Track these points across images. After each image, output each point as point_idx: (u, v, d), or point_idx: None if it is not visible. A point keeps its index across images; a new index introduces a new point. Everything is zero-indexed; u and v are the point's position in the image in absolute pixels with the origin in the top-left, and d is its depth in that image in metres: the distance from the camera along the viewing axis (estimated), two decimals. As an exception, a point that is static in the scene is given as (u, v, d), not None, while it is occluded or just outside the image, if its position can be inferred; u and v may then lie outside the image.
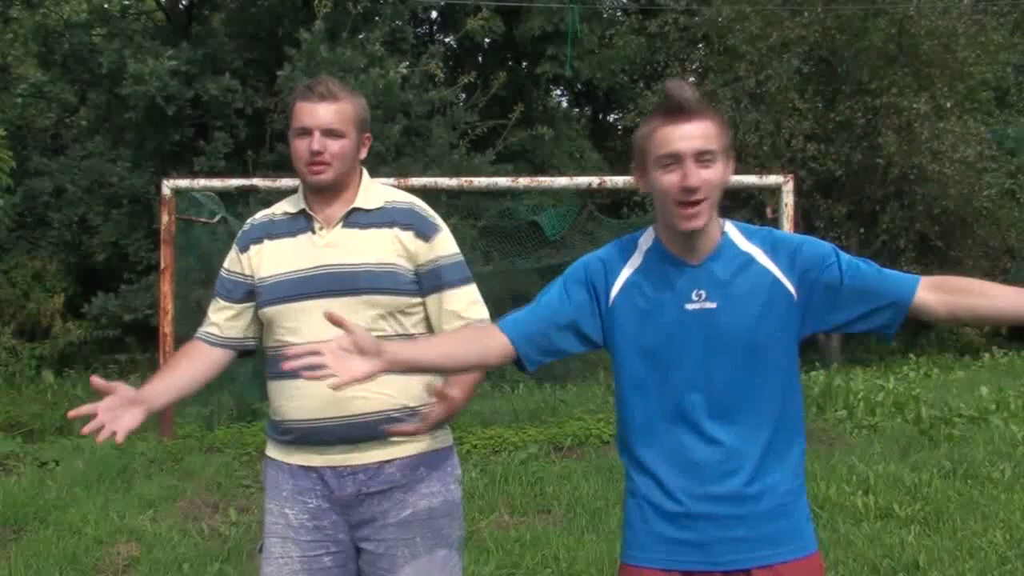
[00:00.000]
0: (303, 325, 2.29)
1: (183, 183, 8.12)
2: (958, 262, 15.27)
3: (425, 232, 2.36)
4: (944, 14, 13.85)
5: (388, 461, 2.32)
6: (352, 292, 2.29)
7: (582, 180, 8.69)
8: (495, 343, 2.06)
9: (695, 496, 1.96)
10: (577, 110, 21.07)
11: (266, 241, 2.41)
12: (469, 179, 8.99)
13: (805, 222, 13.51)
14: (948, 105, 14.29)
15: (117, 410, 2.23)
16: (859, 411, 8.15)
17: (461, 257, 2.44)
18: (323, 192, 2.36)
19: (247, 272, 2.41)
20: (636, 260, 2.03)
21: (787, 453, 2.02)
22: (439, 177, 9.33)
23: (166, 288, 7.68)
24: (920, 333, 16.80)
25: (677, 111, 1.90)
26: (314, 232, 2.36)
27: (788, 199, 7.54)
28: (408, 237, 2.35)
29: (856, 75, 14.32)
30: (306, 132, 2.31)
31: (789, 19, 14.18)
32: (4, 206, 10.61)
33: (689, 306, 1.96)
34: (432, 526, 2.36)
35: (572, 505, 5.43)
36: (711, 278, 1.97)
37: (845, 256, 2.00)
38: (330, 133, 2.31)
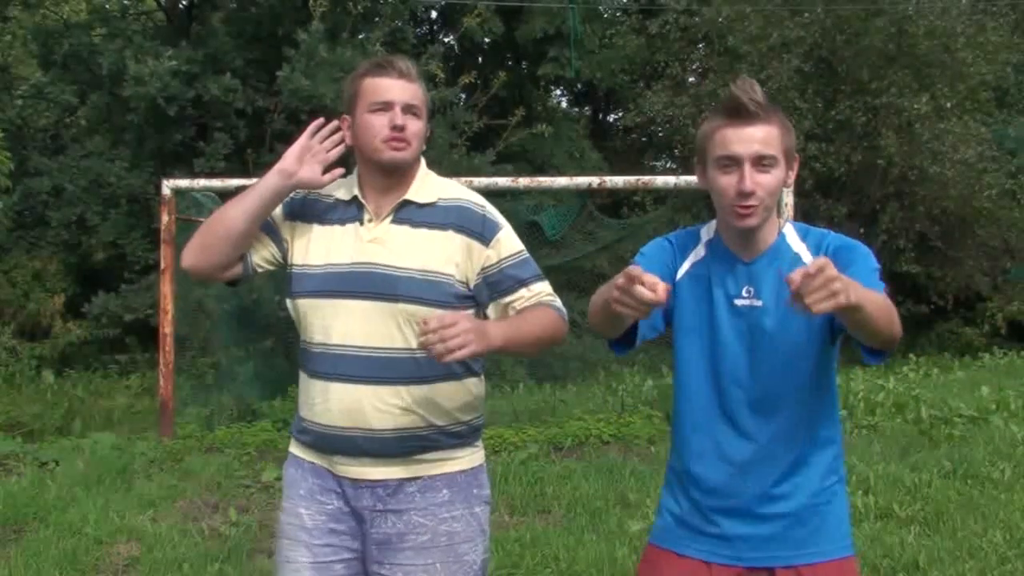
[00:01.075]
0: (334, 324, 2.15)
1: (183, 183, 8.12)
2: (958, 262, 15.27)
3: (484, 235, 2.18)
4: (943, 14, 13.85)
5: (409, 479, 2.18)
6: (389, 298, 2.12)
7: (582, 180, 8.68)
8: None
9: (726, 491, 1.99)
10: (577, 110, 21.07)
11: (315, 225, 2.23)
12: (469, 179, 8.97)
13: (805, 222, 13.49)
14: (948, 105, 14.29)
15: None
16: (859, 411, 8.14)
17: (527, 254, 2.25)
18: (388, 176, 2.18)
19: (281, 233, 2.24)
20: (700, 250, 2.07)
21: (820, 454, 2.02)
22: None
23: (166, 288, 7.67)
24: (920, 333, 16.80)
25: (740, 113, 1.90)
26: (363, 223, 2.19)
27: (788, 199, 7.53)
28: (464, 240, 2.17)
29: (856, 75, 14.33)
30: (386, 107, 2.14)
31: (789, 19, 14.19)
32: (3, 207, 10.63)
33: (739, 302, 1.99)
34: (453, 552, 2.18)
35: (572, 505, 5.43)
36: (761, 276, 1.99)
37: (868, 268, 1.92)
38: (411, 110, 2.16)
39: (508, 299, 2.19)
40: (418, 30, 17.27)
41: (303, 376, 2.25)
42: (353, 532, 2.20)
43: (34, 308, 12.37)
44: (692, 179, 6.48)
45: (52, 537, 4.92)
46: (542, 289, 2.22)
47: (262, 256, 2.25)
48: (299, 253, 2.22)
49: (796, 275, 1.59)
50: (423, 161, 2.26)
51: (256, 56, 12.58)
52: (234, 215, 2.16)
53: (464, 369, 2.22)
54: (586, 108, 21.27)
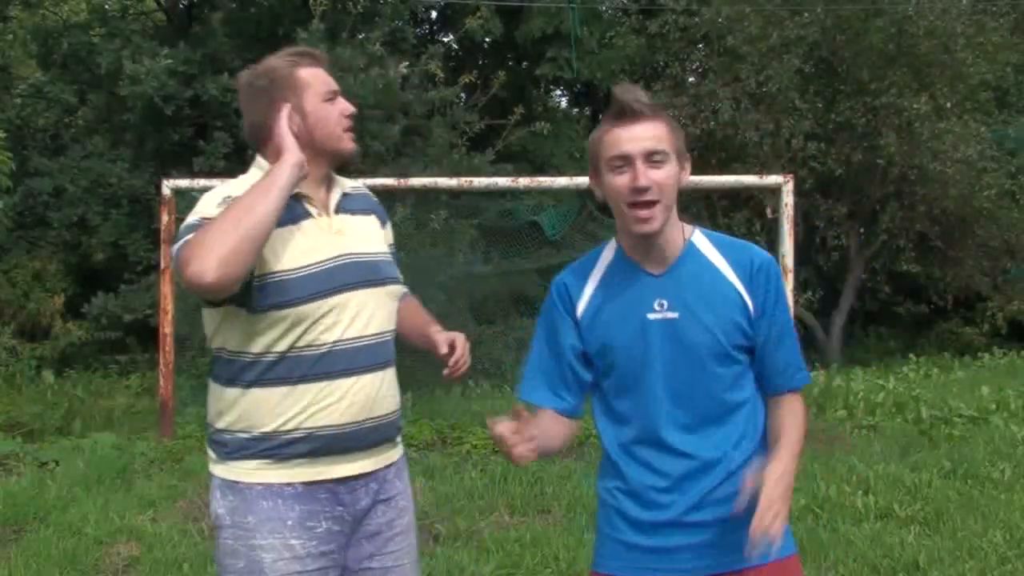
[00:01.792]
0: (339, 320, 2.10)
1: (183, 183, 8.12)
2: (958, 262, 15.26)
3: (384, 219, 2.37)
4: (943, 14, 13.85)
5: (388, 466, 2.25)
6: (378, 282, 2.20)
7: (582, 180, 8.65)
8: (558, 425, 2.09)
9: (663, 504, 1.97)
10: (577, 110, 21.06)
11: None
12: (469, 179, 8.99)
13: (805, 222, 13.51)
14: (948, 105, 14.28)
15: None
16: (859, 411, 8.15)
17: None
18: (336, 167, 2.23)
19: None
20: (598, 274, 2.05)
21: (754, 452, 2.01)
22: (439, 177, 9.33)
23: (166, 288, 7.68)
24: (920, 333, 16.80)
25: (625, 114, 1.91)
26: (312, 217, 2.14)
27: (788, 199, 7.54)
28: (378, 223, 2.33)
29: (856, 75, 14.32)
30: (335, 94, 2.21)
31: (789, 19, 14.17)
32: (3, 207, 10.62)
33: (651, 315, 1.96)
34: (415, 527, 2.37)
35: (572, 505, 5.43)
36: (672, 287, 1.97)
37: (782, 322, 2.02)
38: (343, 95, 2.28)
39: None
40: (418, 30, 17.27)
41: (276, 389, 2.08)
42: (340, 547, 2.16)
43: (34, 308, 12.35)
44: (692, 179, 6.48)
45: (52, 537, 4.93)
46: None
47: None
48: (268, 261, 2.06)
49: (755, 534, 1.78)
50: None
51: (256, 56, 12.47)
52: (264, 214, 1.96)
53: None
54: (586, 108, 21.25)
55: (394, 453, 2.27)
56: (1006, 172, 14.90)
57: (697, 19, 15.04)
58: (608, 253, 2.07)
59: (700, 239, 2.03)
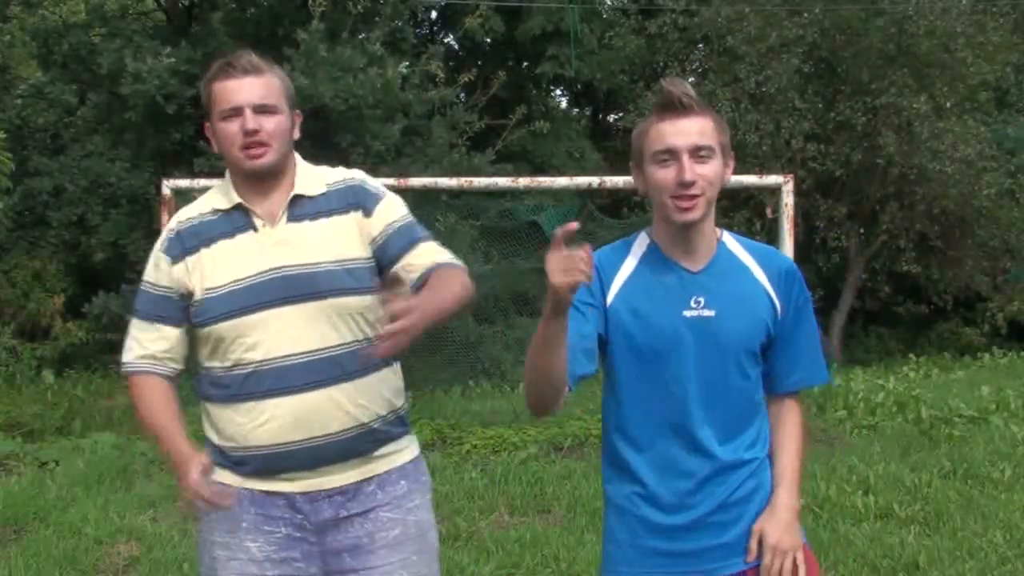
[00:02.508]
0: (262, 339, 2.03)
1: (183, 183, 8.12)
2: (958, 262, 15.26)
3: (368, 206, 2.13)
4: (943, 14, 13.85)
5: (365, 480, 2.13)
6: (314, 296, 2.04)
7: (582, 180, 8.69)
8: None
9: (686, 506, 1.96)
10: (577, 110, 21.05)
11: (202, 250, 2.10)
12: (469, 179, 9.00)
13: (805, 222, 13.52)
14: (948, 105, 14.28)
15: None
16: (859, 411, 8.15)
17: (412, 218, 2.19)
18: (261, 180, 2.08)
19: (177, 288, 2.11)
20: (631, 263, 1.99)
21: (767, 461, 2.06)
22: (439, 177, 9.33)
23: (166, 288, 7.67)
24: (920, 333, 16.80)
25: (673, 107, 1.89)
26: (256, 229, 2.09)
27: (788, 199, 7.54)
28: (358, 218, 2.12)
29: (856, 75, 14.32)
30: (235, 112, 2.03)
31: (788, 19, 14.18)
32: (3, 208, 10.61)
33: (687, 313, 1.94)
34: (424, 540, 2.19)
35: (572, 505, 5.43)
36: (709, 285, 1.96)
37: (807, 323, 2.05)
38: (263, 110, 2.05)
39: (399, 264, 2.12)
40: (418, 30, 17.27)
41: (224, 407, 2.09)
42: (307, 555, 2.11)
43: (34, 308, 12.35)
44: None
45: (52, 537, 4.93)
46: (429, 248, 2.14)
47: (183, 346, 2.15)
48: (201, 283, 2.08)
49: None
50: (296, 155, 2.18)
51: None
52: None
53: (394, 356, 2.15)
54: (586, 108, 21.25)
55: (370, 469, 2.13)
56: (1006, 172, 14.91)
57: (696, 19, 15.05)
58: (639, 247, 2.02)
59: (729, 240, 2.04)
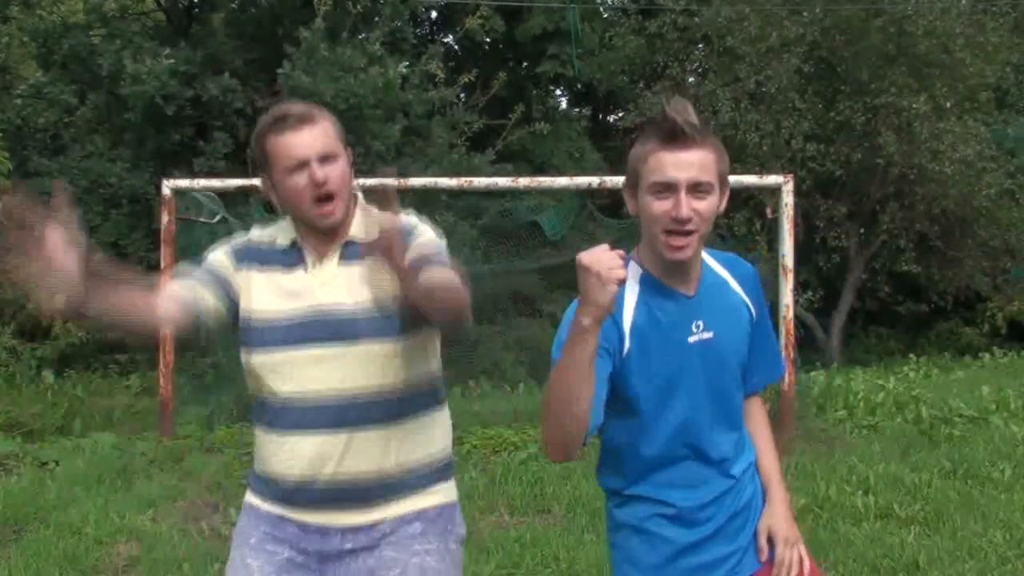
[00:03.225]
0: (294, 374, 2.04)
1: (183, 183, 8.12)
2: (958, 262, 15.27)
3: (407, 236, 2.07)
4: (943, 14, 13.85)
5: (375, 524, 2.09)
6: (351, 340, 2.02)
7: (582, 180, 8.67)
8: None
9: (707, 520, 1.99)
10: (577, 110, 21.06)
11: (255, 272, 2.11)
12: (469, 179, 8.98)
13: (805, 222, 13.51)
14: (948, 105, 14.29)
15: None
16: (859, 411, 8.14)
17: (443, 247, 2.13)
18: (329, 231, 2.07)
19: (233, 285, 2.10)
20: (631, 297, 1.93)
21: (755, 463, 2.12)
22: (439, 177, 9.33)
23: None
24: (920, 333, 16.80)
25: (675, 137, 1.83)
26: (307, 269, 2.08)
27: (788, 199, 7.53)
28: None
29: (856, 75, 14.33)
30: (301, 166, 1.99)
31: (788, 19, 14.18)
32: (3, 207, 10.58)
33: (692, 339, 1.94)
34: None
35: (572, 505, 5.43)
36: (704, 307, 1.97)
37: (765, 318, 2.11)
38: (326, 159, 2.01)
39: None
40: (418, 30, 17.27)
41: (260, 431, 2.12)
42: None
43: (34, 308, 12.35)
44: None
45: (52, 537, 4.92)
46: (443, 261, 2.06)
47: (214, 309, 2.07)
48: (248, 301, 2.09)
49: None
50: (358, 196, 2.15)
51: (256, 56, 12.59)
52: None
53: (433, 401, 2.15)
54: (586, 108, 21.26)
55: (384, 513, 2.09)
56: (1005, 172, 14.92)
57: (696, 19, 15.06)
58: (632, 273, 1.94)
59: (705, 255, 2.02)
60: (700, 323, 1.95)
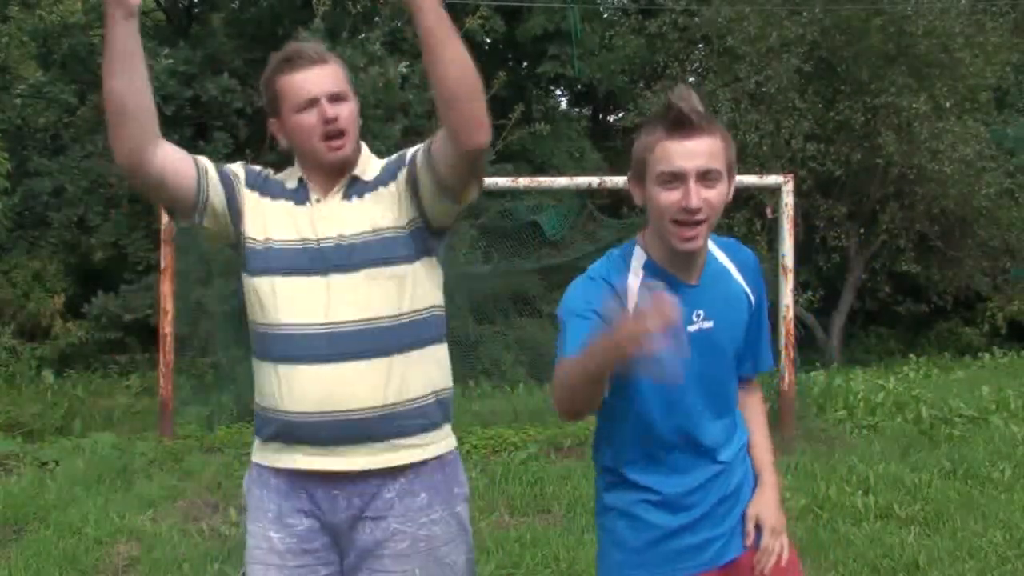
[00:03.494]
0: (297, 303, 2.05)
1: (183, 183, 8.11)
2: (958, 262, 15.28)
3: (397, 167, 2.13)
4: (943, 14, 13.86)
5: (390, 478, 2.09)
6: (350, 268, 2.06)
7: (582, 180, 8.67)
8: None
9: (693, 505, 2.00)
10: (577, 110, 21.07)
11: (266, 199, 2.14)
12: (469, 179, 8.99)
13: (805, 222, 13.52)
14: (947, 105, 14.30)
15: None
16: (859, 411, 8.15)
17: None
18: (336, 169, 2.11)
19: (238, 196, 2.12)
20: (635, 282, 1.93)
21: (746, 446, 2.13)
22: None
23: (166, 288, 7.67)
24: (920, 333, 16.81)
25: (682, 125, 1.81)
26: (311, 203, 2.12)
27: (788, 199, 7.54)
28: (393, 184, 2.11)
29: (855, 75, 14.33)
30: (312, 103, 2.04)
31: (788, 19, 14.18)
32: (3, 208, 10.62)
33: (691, 328, 1.93)
34: (433, 555, 2.12)
35: (572, 505, 5.43)
36: (705, 297, 1.96)
37: (765, 297, 2.11)
38: (336, 98, 2.07)
39: (417, 152, 2.11)
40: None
41: (259, 363, 2.12)
42: (327, 546, 2.12)
43: (34, 308, 12.35)
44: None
45: (52, 537, 4.92)
46: None
47: (214, 202, 2.10)
48: (254, 226, 2.11)
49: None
50: (363, 144, 2.18)
51: (256, 56, 12.57)
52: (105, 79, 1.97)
53: (436, 334, 2.16)
54: (586, 108, 21.27)
55: (392, 458, 2.09)
56: (1005, 171, 14.93)
57: (696, 19, 15.07)
58: (637, 261, 1.96)
59: (710, 243, 2.01)
60: (701, 312, 1.94)
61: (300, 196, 2.13)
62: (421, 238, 2.12)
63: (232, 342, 9.25)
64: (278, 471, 2.12)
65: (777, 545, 2.03)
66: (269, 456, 2.14)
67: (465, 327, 10.39)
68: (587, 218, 11.83)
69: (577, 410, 1.84)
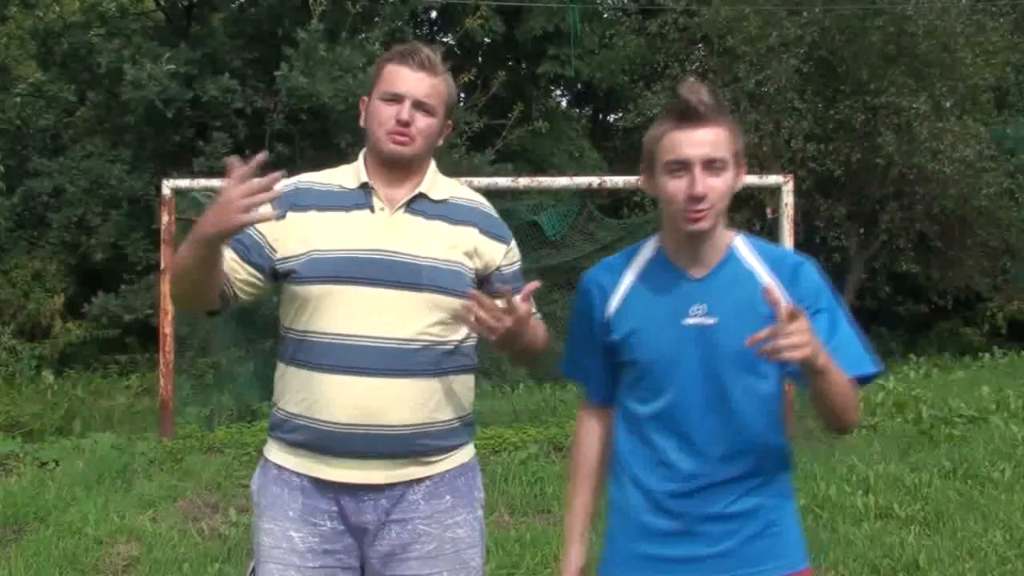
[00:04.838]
0: (348, 312, 2.03)
1: (183, 183, 8.12)
2: (958, 262, 15.27)
3: (501, 235, 2.20)
4: (943, 14, 13.85)
5: (415, 482, 2.10)
6: (412, 287, 2.04)
7: (582, 180, 8.68)
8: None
9: (683, 514, 1.94)
10: (577, 110, 21.07)
11: (313, 212, 2.09)
12: (469, 179, 8.98)
13: (805, 222, 13.51)
14: (947, 105, 14.29)
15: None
16: (859, 411, 8.16)
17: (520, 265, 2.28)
18: (392, 168, 2.10)
19: (270, 238, 2.09)
20: (636, 269, 2.00)
21: (775, 474, 1.98)
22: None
23: (166, 288, 7.67)
24: (920, 333, 16.81)
25: (689, 115, 1.86)
26: (373, 211, 2.10)
27: (788, 199, 7.54)
28: (483, 238, 2.15)
29: (855, 75, 14.32)
30: (397, 99, 2.07)
31: (788, 19, 14.18)
32: (1, 208, 10.63)
33: (688, 321, 1.92)
34: (459, 558, 2.15)
35: (572, 505, 5.42)
36: (712, 293, 1.93)
37: (828, 310, 1.99)
38: (421, 107, 2.08)
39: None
40: (418, 30, 17.27)
41: (296, 370, 2.09)
42: (348, 549, 2.11)
43: (34, 308, 12.36)
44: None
45: (52, 537, 4.93)
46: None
47: (242, 282, 2.11)
48: (298, 243, 2.07)
49: (782, 312, 1.67)
50: (433, 161, 2.19)
51: (255, 56, 12.59)
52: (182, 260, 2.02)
53: (472, 363, 2.19)
54: (586, 108, 21.27)
55: (415, 471, 2.10)
56: (1005, 171, 14.92)
57: (696, 19, 15.05)
58: (648, 251, 2.02)
59: (742, 245, 1.99)
60: (702, 307, 1.92)
61: (359, 200, 2.11)
62: (478, 281, 2.17)
63: (232, 342, 9.26)
64: (301, 474, 2.11)
65: (797, 334, 1.68)
66: (291, 460, 2.12)
67: (465, 327, 10.38)
68: (587, 218, 11.82)
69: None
